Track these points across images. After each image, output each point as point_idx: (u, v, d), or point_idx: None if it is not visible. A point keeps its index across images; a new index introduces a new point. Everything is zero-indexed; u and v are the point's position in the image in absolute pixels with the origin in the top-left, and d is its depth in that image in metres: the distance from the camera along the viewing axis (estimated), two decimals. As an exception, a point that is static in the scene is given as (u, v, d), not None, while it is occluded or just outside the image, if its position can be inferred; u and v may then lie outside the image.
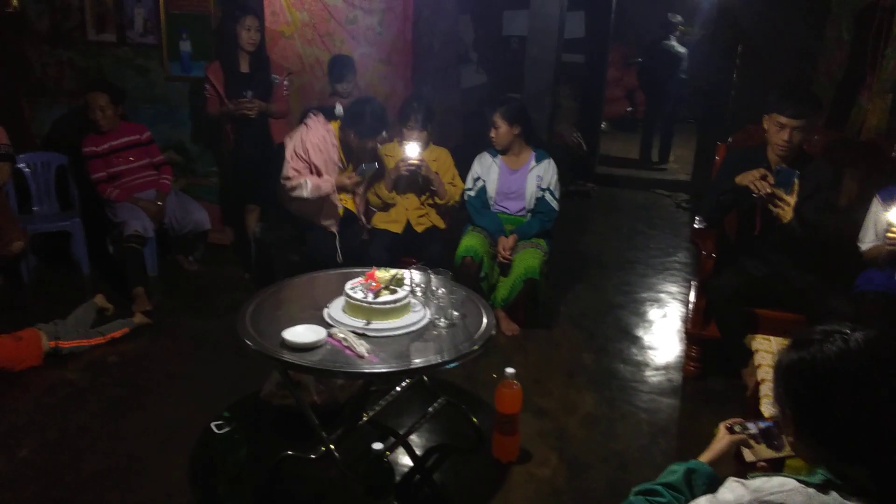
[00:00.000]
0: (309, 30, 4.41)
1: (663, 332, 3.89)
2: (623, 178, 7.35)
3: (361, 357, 2.22)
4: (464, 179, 3.89)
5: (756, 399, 2.40)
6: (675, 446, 2.86)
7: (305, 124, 3.70)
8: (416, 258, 3.70)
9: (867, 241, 2.98)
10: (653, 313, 4.14)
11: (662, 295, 4.41)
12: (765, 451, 1.44)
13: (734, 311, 3.04)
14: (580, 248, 5.24)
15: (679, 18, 7.76)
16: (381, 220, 3.85)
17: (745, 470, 1.48)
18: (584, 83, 7.11)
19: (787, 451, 1.42)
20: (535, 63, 4.11)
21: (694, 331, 3.29)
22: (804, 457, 1.20)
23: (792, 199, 2.83)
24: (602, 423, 2.99)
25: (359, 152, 3.67)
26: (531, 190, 3.76)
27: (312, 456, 2.43)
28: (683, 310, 4.07)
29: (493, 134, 3.74)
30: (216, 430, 2.28)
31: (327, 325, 2.39)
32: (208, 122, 4.30)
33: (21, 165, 4.33)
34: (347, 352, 2.26)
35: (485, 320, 2.52)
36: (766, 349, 2.44)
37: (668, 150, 7.95)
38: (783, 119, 2.89)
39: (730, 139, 3.49)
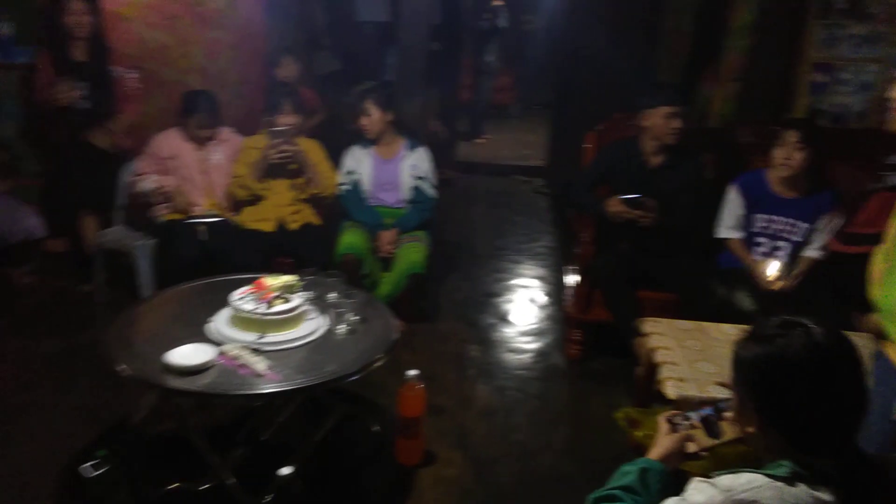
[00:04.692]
0: (152, 12, 4.00)
1: (541, 318, 3.95)
2: (483, 166, 7.43)
3: (260, 375, 2.03)
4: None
5: (651, 380, 2.49)
6: (572, 430, 2.92)
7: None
8: (291, 259, 3.49)
9: (725, 229, 3.16)
10: (528, 299, 4.21)
11: (534, 280, 4.50)
12: (705, 440, 1.47)
13: (623, 291, 3.13)
14: (449, 238, 5.22)
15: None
16: (250, 218, 3.57)
17: (686, 460, 1.50)
18: (439, 70, 7.09)
19: (725, 437, 1.45)
20: (408, 50, 4.00)
21: (576, 314, 3.37)
22: (765, 448, 1.22)
23: (648, 212, 3.09)
24: (499, 415, 2.98)
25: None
26: (406, 180, 3.67)
27: (205, 486, 2.20)
28: (559, 293, 4.17)
29: (364, 122, 3.58)
30: (90, 473, 2.00)
31: (215, 343, 2.17)
32: (36, 116, 3.76)
33: None
34: (241, 371, 2.06)
35: (386, 323, 2.41)
36: (659, 331, 2.53)
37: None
38: (670, 109, 3.09)
39: (600, 126, 3.57)
